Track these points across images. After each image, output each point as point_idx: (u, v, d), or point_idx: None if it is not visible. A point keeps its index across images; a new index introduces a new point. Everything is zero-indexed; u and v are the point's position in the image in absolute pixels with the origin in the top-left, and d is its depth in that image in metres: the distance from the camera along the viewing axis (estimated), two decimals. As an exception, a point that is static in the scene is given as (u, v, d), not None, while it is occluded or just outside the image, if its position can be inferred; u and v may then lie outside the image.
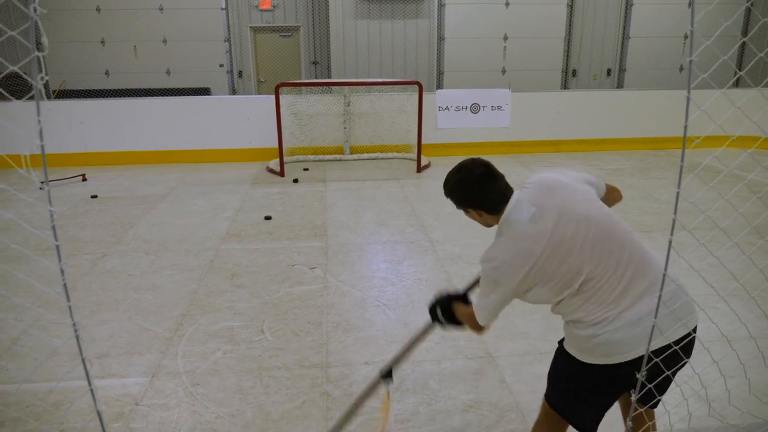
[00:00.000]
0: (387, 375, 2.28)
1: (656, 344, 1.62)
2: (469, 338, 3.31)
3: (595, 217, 1.78)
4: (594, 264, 1.69)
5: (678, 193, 0.86)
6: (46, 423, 2.60)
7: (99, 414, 0.86)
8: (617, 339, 1.65)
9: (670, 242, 0.97)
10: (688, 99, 0.82)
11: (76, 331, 0.80)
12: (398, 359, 2.32)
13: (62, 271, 0.72)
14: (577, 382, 1.80)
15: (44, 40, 0.66)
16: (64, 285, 0.75)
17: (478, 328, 1.93)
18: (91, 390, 0.83)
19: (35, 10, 0.63)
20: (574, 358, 1.77)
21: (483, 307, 1.86)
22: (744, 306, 3.47)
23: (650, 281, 1.69)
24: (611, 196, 2.07)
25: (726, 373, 2.18)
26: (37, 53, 0.66)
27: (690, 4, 9.52)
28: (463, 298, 2.15)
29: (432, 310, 2.18)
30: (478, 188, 1.85)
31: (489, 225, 1.97)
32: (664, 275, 1.07)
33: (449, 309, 2.11)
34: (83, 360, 0.81)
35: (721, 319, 2.94)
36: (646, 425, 1.85)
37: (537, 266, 1.71)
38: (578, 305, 1.72)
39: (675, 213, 0.84)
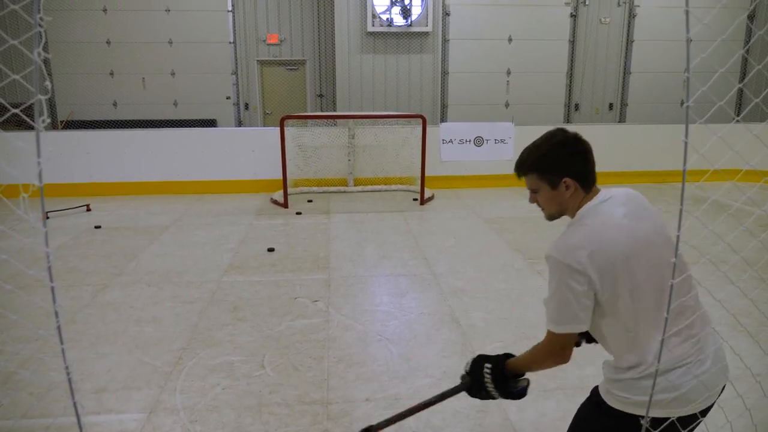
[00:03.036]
0: None
1: (703, 405, 1.55)
2: (473, 375, 3.25)
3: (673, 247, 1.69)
4: (683, 288, 1.53)
5: (678, 237, 0.85)
6: (41, 460, 2.55)
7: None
8: (702, 384, 1.51)
9: (672, 285, 0.96)
10: (685, 144, 0.82)
11: (69, 374, 0.79)
12: (388, 423, 2.00)
13: (56, 314, 0.71)
14: None
15: (47, 83, 0.66)
16: (58, 328, 0.74)
17: (560, 350, 1.61)
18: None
19: (39, 54, 0.63)
20: (619, 413, 1.58)
21: (556, 312, 1.56)
22: (753, 343, 3.41)
23: (701, 318, 1.60)
24: None
25: (731, 413, 2.13)
26: (40, 96, 0.67)
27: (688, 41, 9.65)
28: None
29: (476, 374, 1.81)
30: (581, 153, 1.63)
31: (560, 213, 1.70)
32: (666, 318, 1.04)
33: (503, 373, 1.77)
34: (74, 404, 0.79)
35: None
36: None
37: (626, 259, 1.50)
38: (659, 338, 1.46)
39: (675, 257, 0.83)
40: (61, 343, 0.75)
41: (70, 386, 0.79)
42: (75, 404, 0.77)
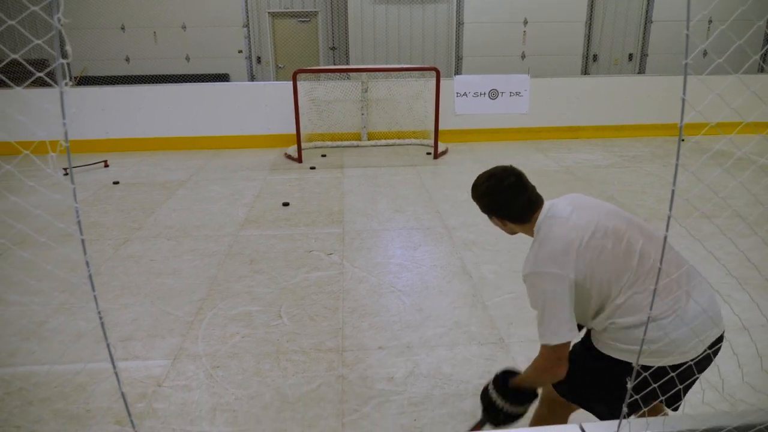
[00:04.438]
0: None
1: (691, 355, 1.62)
2: (482, 324, 3.35)
3: (630, 216, 1.81)
4: (650, 252, 1.66)
5: (673, 191, 0.88)
6: (73, 403, 2.71)
7: (123, 396, 0.92)
8: (683, 336, 1.59)
9: (665, 238, 0.99)
10: (683, 101, 0.84)
11: (101, 318, 0.86)
12: None
13: (87, 264, 0.77)
14: (603, 379, 1.72)
15: (68, 48, 0.71)
16: (90, 276, 0.81)
17: (557, 362, 1.68)
18: (116, 373, 0.89)
19: (59, 20, 0.67)
20: (605, 356, 1.70)
21: (549, 324, 1.65)
22: (759, 295, 3.45)
23: (696, 279, 1.70)
24: None
25: (742, 362, 2.19)
26: (62, 61, 0.71)
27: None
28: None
29: (486, 399, 1.93)
30: (506, 197, 1.82)
31: (513, 232, 1.95)
32: (659, 268, 1.08)
33: (506, 386, 1.89)
34: (108, 345, 0.86)
35: (736, 307, 2.93)
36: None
37: (588, 248, 1.66)
38: (643, 299, 1.62)
39: (670, 210, 0.86)
40: (93, 290, 0.81)
41: (103, 329, 0.86)
42: (108, 346, 0.85)
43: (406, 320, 3.44)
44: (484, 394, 1.95)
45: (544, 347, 1.69)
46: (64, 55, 0.71)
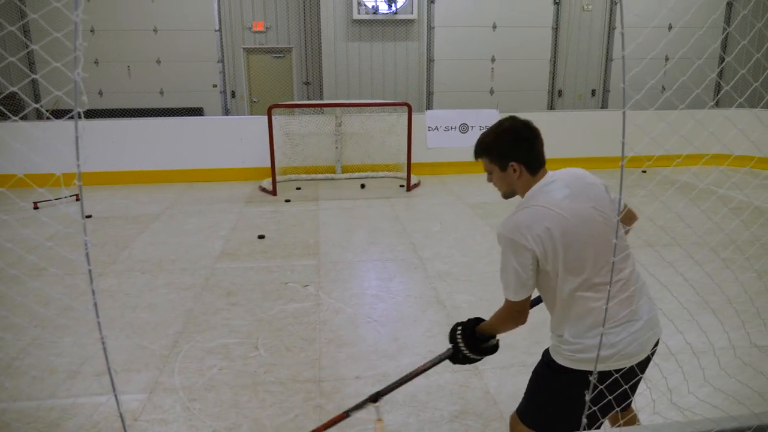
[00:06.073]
0: (374, 399, 2.27)
1: (638, 359, 1.75)
2: (457, 353, 3.43)
3: (610, 218, 1.79)
4: (607, 260, 1.69)
5: (618, 221, 1.00)
6: (47, 439, 2.69)
7: (122, 416, 0.98)
8: (635, 341, 1.72)
9: (613, 263, 1.11)
10: (623, 143, 0.97)
11: (104, 344, 0.92)
12: (392, 388, 2.28)
13: (93, 292, 0.84)
14: (566, 395, 1.79)
15: (84, 98, 0.80)
16: (95, 304, 0.88)
17: (516, 314, 1.82)
18: (116, 396, 0.95)
19: (79, 74, 0.76)
20: (568, 369, 1.78)
21: (508, 282, 1.77)
22: (716, 320, 3.61)
23: (638, 287, 1.79)
24: (628, 216, 1.95)
25: (696, 383, 2.32)
26: (78, 110, 0.80)
27: (669, 28, 9.87)
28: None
29: (452, 339, 2.04)
30: (527, 140, 1.79)
31: (512, 192, 1.90)
32: (611, 281, 1.19)
33: (473, 333, 1.99)
34: (109, 369, 0.93)
35: (693, 332, 3.08)
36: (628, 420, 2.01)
37: (559, 236, 1.69)
38: (595, 304, 1.70)
39: (616, 237, 0.98)
40: (98, 316, 0.88)
41: (105, 355, 0.93)
42: (110, 370, 0.91)
43: (382, 350, 3.50)
44: (452, 335, 2.04)
45: (506, 299, 1.82)
46: (82, 105, 0.80)
